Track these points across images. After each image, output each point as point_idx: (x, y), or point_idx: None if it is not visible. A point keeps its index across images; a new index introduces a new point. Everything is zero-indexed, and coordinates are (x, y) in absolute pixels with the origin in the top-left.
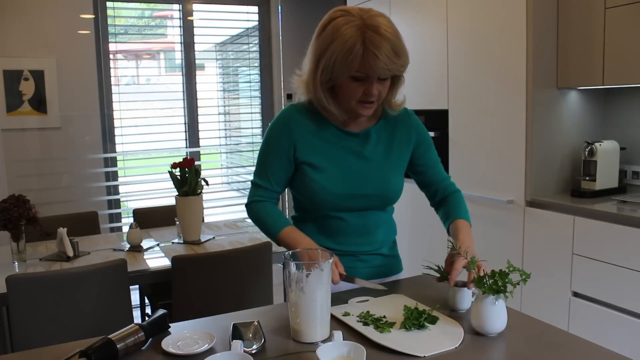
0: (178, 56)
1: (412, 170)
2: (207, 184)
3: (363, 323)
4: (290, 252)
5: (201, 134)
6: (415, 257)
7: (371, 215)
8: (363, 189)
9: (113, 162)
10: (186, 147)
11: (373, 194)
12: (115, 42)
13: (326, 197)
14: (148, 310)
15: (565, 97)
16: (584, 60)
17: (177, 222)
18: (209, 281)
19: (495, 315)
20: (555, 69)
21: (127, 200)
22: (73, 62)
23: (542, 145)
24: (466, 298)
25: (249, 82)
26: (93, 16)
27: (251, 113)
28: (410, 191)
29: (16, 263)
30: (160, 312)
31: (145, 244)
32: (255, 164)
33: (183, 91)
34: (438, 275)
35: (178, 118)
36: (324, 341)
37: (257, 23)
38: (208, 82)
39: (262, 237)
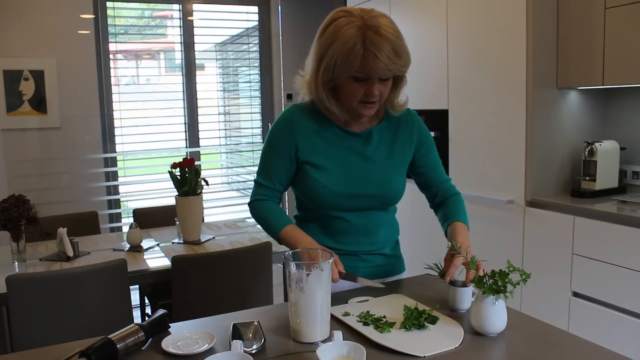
0: (178, 56)
1: (412, 172)
2: (207, 184)
3: (363, 323)
4: (290, 252)
5: (201, 134)
6: (416, 257)
7: (373, 215)
8: (365, 189)
9: (113, 162)
10: (186, 147)
11: (375, 194)
12: (115, 42)
13: (328, 197)
14: (148, 310)
15: (565, 97)
16: (584, 60)
17: (177, 222)
18: (209, 281)
19: (495, 315)
20: (555, 69)
21: (127, 200)
22: (73, 62)
23: (542, 145)
24: (466, 298)
25: (249, 82)
26: (93, 16)
27: (251, 113)
28: (411, 192)
29: (16, 263)
30: (160, 312)
31: (145, 244)
32: (256, 163)
33: (183, 91)
34: (438, 274)
35: (178, 118)
36: (324, 341)
37: (257, 23)
38: (208, 82)
39: (262, 237)
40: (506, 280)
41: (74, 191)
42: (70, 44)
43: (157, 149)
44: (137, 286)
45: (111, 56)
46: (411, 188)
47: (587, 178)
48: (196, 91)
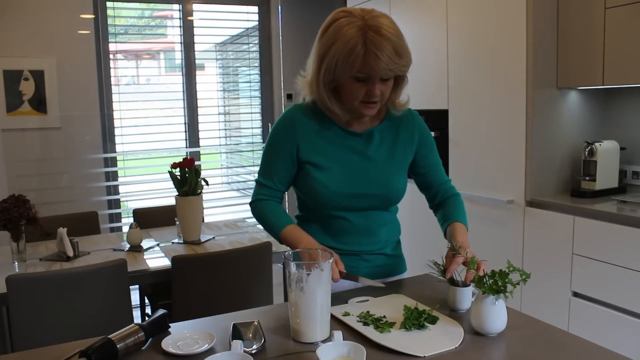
0: (178, 56)
1: (413, 172)
2: (207, 184)
3: (363, 323)
4: (290, 252)
5: (201, 134)
6: (416, 257)
7: (374, 215)
8: (366, 189)
9: (113, 162)
10: (186, 147)
11: (376, 193)
12: (115, 42)
13: (329, 197)
14: (148, 310)
15: (565, 97)
16: (584, 60)
17: (177, 222)
18: (209, 281)
19: (495, 315)
20: (555, 69)
21: (127, 200)
22: (73, 62)
23: (542, 145)
24: (466, 298)
25: (249, 82)
26: (93, 16)
27: (251, 113)
28: (411, 192)
29: (16, 263)
30: (160, 312)
31: (145, 244)
32: (256, 163)
33: (183, 91)
34: (439, 273)
35: (178, 118)
36: (324, 341)
37: (257, 23)
38: (208, 82)
39: (262, 237)
40: (506, 280)
41: (74, 191)
42: (70, 44)
43: (157, 149)
44: (137, 286)
45: (111, 56)
46: (411, 188)
47: (587, 178)
48: (196, 91)
